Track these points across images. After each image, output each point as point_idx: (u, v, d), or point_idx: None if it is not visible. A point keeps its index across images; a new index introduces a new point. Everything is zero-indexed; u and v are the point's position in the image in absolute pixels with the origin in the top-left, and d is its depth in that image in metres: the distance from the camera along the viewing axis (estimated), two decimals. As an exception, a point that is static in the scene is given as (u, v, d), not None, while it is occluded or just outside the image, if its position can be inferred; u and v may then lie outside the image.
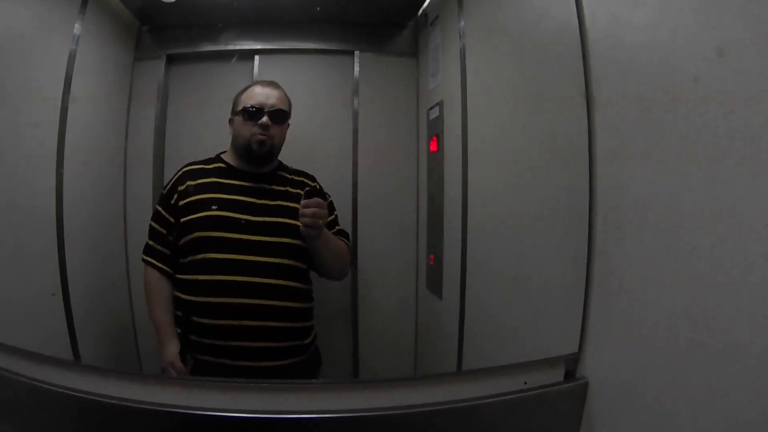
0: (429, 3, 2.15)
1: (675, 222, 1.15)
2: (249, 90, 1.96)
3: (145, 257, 1.91)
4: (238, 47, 2.07)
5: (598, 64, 1.44)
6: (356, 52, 2.12)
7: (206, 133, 2.06)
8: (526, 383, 1.51)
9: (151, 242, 1.91)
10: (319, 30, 2.12)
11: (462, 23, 2.00)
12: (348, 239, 2.07)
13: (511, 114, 1.85)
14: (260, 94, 1.94)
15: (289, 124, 1.97)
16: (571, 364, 1.53)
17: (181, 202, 1.88)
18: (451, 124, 2.03)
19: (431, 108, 2.11)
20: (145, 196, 1.98)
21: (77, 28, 1.84)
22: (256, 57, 2.06)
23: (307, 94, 2.08)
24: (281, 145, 1.97)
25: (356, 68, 2.11)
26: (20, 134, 1.72)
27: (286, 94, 1.97)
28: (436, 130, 2.09)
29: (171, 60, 2.04)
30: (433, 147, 2.10)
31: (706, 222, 1.06)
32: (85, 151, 1.87)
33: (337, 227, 2.05)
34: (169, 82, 2.03)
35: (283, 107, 1.95)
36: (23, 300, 1.65)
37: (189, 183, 1.91)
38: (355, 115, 2.11)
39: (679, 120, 1.13)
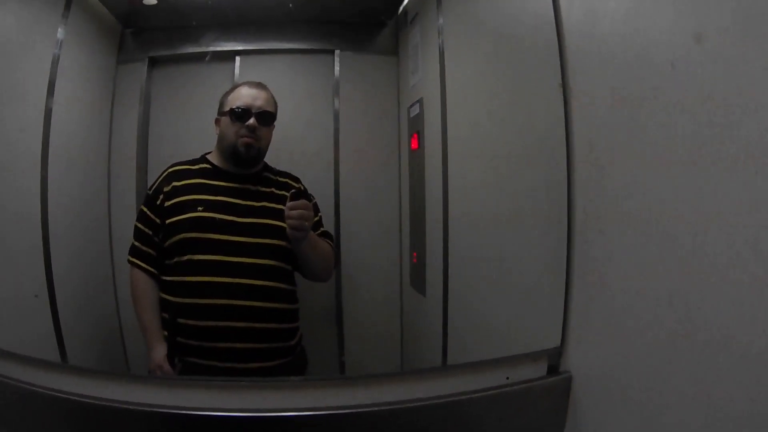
0: (409, 1, 2.16)
1: (655, 212, 1.15)
2: (236, 91, 1.96)
3: (131, 258, 1.91)
4: (219, 48, 2.08)
5: (574, 56, 1.44)
6: (336, 51, 2.12)
7: (189, 135, 2.06)
8: (508, 378, 1.51)
9: (136, 243, 1.90)
10: (299, 30, 2.12)
11: (441, 20, 2.01)
12: (332, 241, 2.08)
13: (490, 109, 1.86)
14: (248, 96, 1.94)
15: (274, 126, 1.98)
16: (555, 358, 1.53)
17: (167, 203, 1.88)
18: (432, 121, 2.03)
19: (411, 105, 2.11)
20: (130, 198, 1.98)
21: (60, 32, 1.84)
22: (237, 58, 2.07)
23: (287, 94, 2.07)
24: (267, 146, 1.97)
25: (336, 67, 2.12)
26: (4, 138, 1.72)
27: (272, 96, 1.98)
28: (416, 127, 2.10)
29: (153, 62, 2.04)
30: (414, 144, 2.11)
31: (687, 211, 1.06)
32: (70, 153, 1.87)
33: (321, 229, 2.05)
34: (152, 85, 2.03)
35: (270, 109, 1.96)
36: (9, 302, 1.65)
37: (175, 184, 1.90)
38: (336, 115, 2.11)
39: (657, 108, 1.13)
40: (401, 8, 2.17)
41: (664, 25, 1.11)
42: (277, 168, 2.03)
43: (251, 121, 1.90)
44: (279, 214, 1.88)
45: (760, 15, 0.88)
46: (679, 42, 1.06)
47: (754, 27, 0.90)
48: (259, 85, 1.97)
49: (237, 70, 2.05)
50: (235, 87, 1.97)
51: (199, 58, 2.09)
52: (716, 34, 0.98)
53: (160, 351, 1.85)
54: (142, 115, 2.01)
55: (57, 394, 1.43)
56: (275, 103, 1.98)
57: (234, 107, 1.92)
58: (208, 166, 1.97)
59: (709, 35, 0.99)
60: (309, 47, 2.14)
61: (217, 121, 1.97)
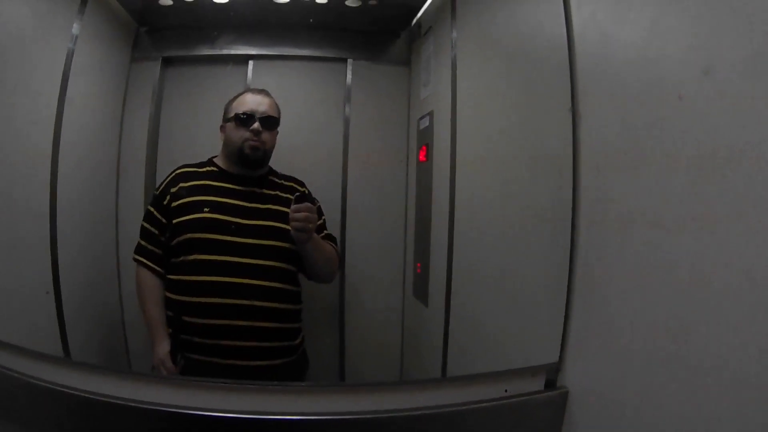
0: (423, 13, 2.17)
1: (656, 236, 1.16)
2: (240, 97, 1.99)
3: (136, 257, 1.93)
4: (233, 52, 2.09)
5: (585, 78, 1.45)
6: (349, 60, 2.14)
7: (199, 136, 2.08)
8: (506, 391, 1.52)
9: (143, 242, 1.93)
10: (313, 37, 2.14)
11: (454, 34, 2.02)
12: (336, 243, 2.09)
13: (500, 125, 1.86)
14: (252, 101, 1.97)
15: (278, 131, 2.00)
16: (552, 374, 1.53)
17: (174, 204, 1.91)
18: (441, 134, 2.05)
19: (422, 118, 2.13)
20: (138, 197, 2.00)
21: (76, 27, 1.85)
22: (250, 62, 2.09)
23: (299, 100, 2.11)
24: (272, 150, 2.00)
25: (349, 76, 2.14)
26: (17, 132, 1.72)
27: (275, 102, 2.00)
28: (426, 139, 2.11)
29: (167, 62, 2.06)
30: (423, 156, 2.12)
31: (687, 237, 1.07)
32: (80, 149, 1.89)
33: (326, 231, 2.07)
34: (164, 84, 2.05)
35: (274, 114, 1.99)
36: (16, 297, 1.65)
37: (182, 185, 1.93)
38: (347, 122, 2.13)
39: (663, 137, 1.14)
40: (415, 20, 2.18)
41: (675, 57, 1.12)
42: (283, 172, 2.05)
43: (256, 125, 1.93)
44: (284, 217, 1.90)
45: (767, 52, 0.90)
46: (688, 74, 1.07)
47: (761, 64, 0.91)
48: (263, 92, 2.00)
49: (250, 74, 2.07)
50: (239, 94, 2.00)
51: (212, 60, 2.11)
52: (725, 70, 0.99)
53: (163, 347, 1.87)
54: (153, 114, 2.03)
55: (60, 388, 1.44)
56: (278, 109, 2.01)
57: (239, 113, 1.95)
58: (214, 168, 2.00)
59: (717, 70, 1.00)
60: (322, 55, 2.15)
61: (222, 128, 2.00)
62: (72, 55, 1.83)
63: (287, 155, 2.03)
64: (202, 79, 2.12)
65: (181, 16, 2.10)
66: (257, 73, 2.08)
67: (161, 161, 2.03)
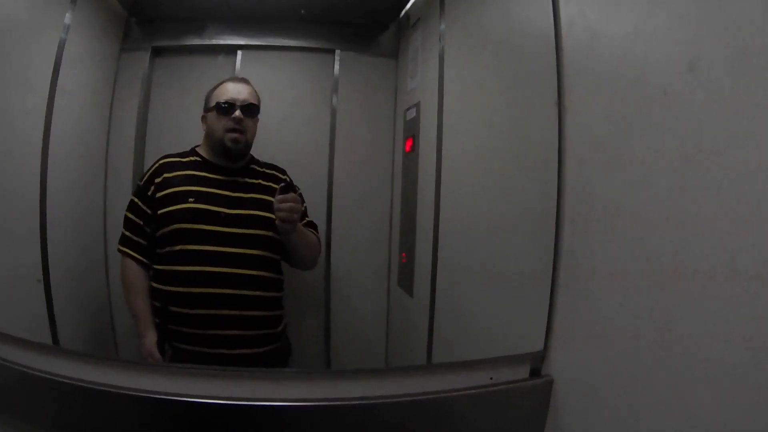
0: (411, 5, 2.17)
1: (640, 228, 1.18)
2: (221, 87, 2.00)
3: (121, 248, 1.94)
4: (221, 42, 2.10)
5: (571, 73, 1.46)
6: (337, 51, 2.15)
7: (187, 126, 2.06)
8: (491, 378, 1.54)
9: (127, 233, 1.94)
10: (301, 28, 2.14)
11: (443, 27, 2.03)
12: (316, 230, 2.11)
13: (486, 118, 1.88)
14: (232, 90, 1.99)
15: (258, 119, 2.02)
16: (537, 362, 1.55)
17: (158, 194, 1.92)
18: (427, 125, 2.06)
19: (408, 109, 2.14)
20: (126, 186, 1.99)
21: (68, 17, 1.85)
22: (239, 52, 2.09)
23: (287, 91, 2.12)
24: (253, 138, 2.02)
25: (336, 67, 2.14)
26: (8, 122, 1.72)
27: (255, 90, 2.02)
28: (412, 131, 2.13)
29: (156, 52, 2.05)
30: (409, 148, 2.14)
31: (670, 229, 1.09)
32: (70, 139, 1.89)
33: (307, 218, 2.09)
34: (153, 74, 2.05)
35: (254, 101, 2.00)
36: (5, 286, 1.65)
37: (166, 175, 1.94)
38: (334, 113, 2.14)
39: (647, 131, 1.16)
40: (403, 12, 2.19)
41: (660, 53, 1.14)
42: (264, 160, 2.08)
43: (237, 113, 1.95)
44: (267, 206, 1.93)
45: (752, 50, 0.92)
46: (673, 70, 1.09)
47: (745, 61, 0.93)
48: (243, 80, 2.02)
49: (238, 65, 2.08)
50: (219, 84, 2.01)
51: (201, 50, 2.11)
52: (709, 66, 1.01)
53: (151, 338, 1.89)
54: (142, 104, 2.03)
55: (51, 377, 1.45)
56: (258, 97, 2.02)
57: (220, 101, 1.96)
58: (198, 158, 2.01)
59: (702, 66, 1.02)
60: (311, 45, 2.16)
61: (203, 118, 2.02)
62: (64, 45, 1.83)
63: (274, 145, 2.05)
64: (191, 69, 2.12)
65: (171, 6, 2.11)
66: (246, 63, 2.09)
67: (149, 151, 2.02)
